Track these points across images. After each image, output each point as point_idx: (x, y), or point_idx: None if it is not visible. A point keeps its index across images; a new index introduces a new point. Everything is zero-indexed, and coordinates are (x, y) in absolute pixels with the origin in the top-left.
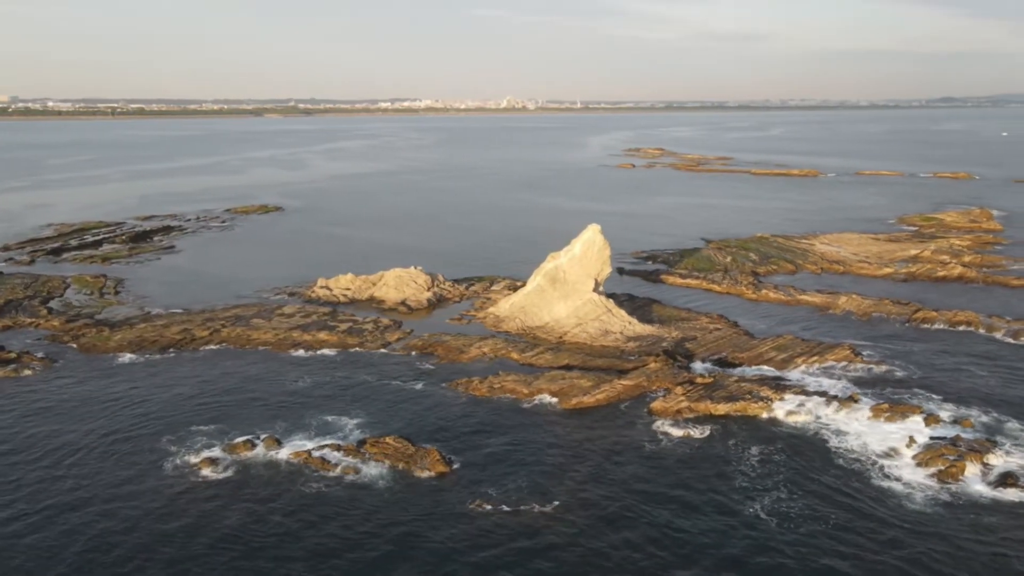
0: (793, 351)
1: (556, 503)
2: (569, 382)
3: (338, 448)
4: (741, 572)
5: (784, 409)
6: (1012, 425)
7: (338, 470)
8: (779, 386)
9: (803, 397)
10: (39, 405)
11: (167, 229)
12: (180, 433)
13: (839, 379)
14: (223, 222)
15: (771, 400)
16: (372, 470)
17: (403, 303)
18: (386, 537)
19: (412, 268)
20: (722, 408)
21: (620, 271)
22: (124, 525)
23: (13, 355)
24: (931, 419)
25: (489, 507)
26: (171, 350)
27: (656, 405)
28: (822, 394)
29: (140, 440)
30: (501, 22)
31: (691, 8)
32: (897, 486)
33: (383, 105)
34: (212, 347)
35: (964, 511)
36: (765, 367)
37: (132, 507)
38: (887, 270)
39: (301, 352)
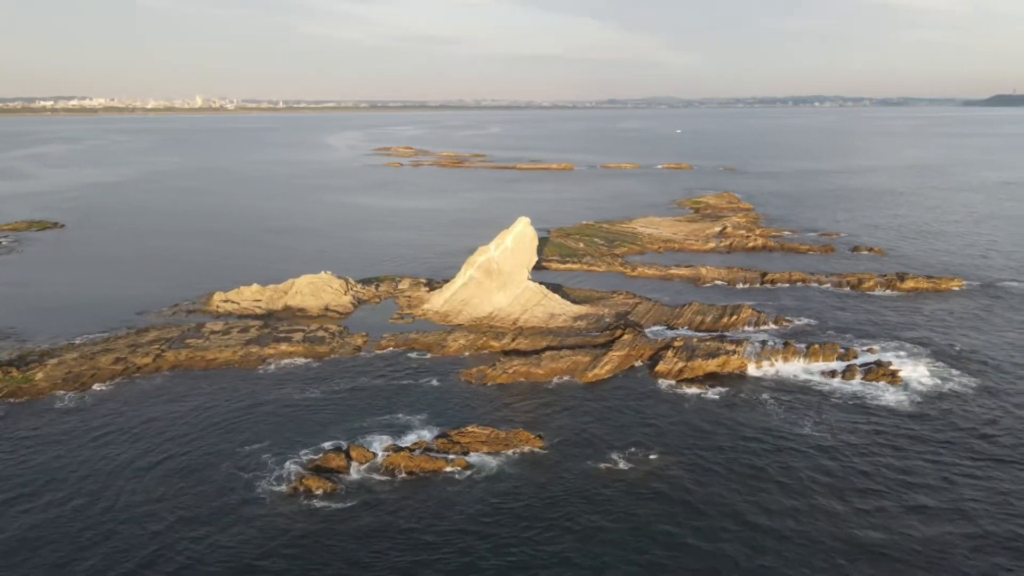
0: (712, 314)
1: (655, 456)
2: (569, 360)
3: (426, 447)
4: (838, 470)
5: (753, 361)
6: (897, 344)
7: (452, 466)
8: (732, 341)
9: (755, 348)
10: (44, 463)
11: None
12: (236, 458)
13: (762, 332)
14: None
15: (737, 353)
16: (483, 459)
17: (326, 309)
18: (577, 509)
19: (323, 273)
20: (711, 364)
21: None
22: (284, 553)
23: None
24: (850, 352)
25: (624, 466)
26: (117, 380)
27: (660, 368)
28: (763, 343)
29: (198, 470)
30: (182, 15)
31: (382, 8)
32: (880, 397)
33: (46, 104)
34: (165, 373)
35: (923, 397)
36: (704, 330)
37: (269, 538)
38: (711, 244)
39: (272, 367)
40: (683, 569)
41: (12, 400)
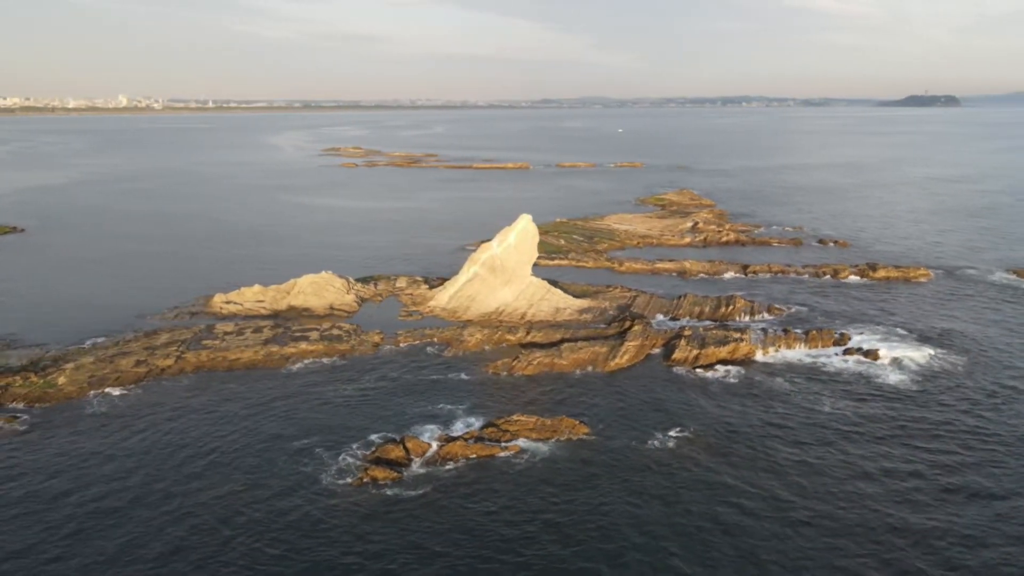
0: (709, 305)
1: (693, 438)
2: (588, 351)
3: (476, 436)
4: (851, 442)
5: (760, 348)
6: (885, 328)
7: (505, 451)
8: (736, 329)
9: (759, 335)
10: (90, 461)
11: None
12: (290, 453)
13: (758, 320)
14: None
15: (744, 340)
16: (535, 445)
17: (332, 308)
18: (636, 498)
19: (324, 272)
20: (722, 352)
21: None
22: (379, 546)
23: None
24: (845, 337)
25: (668, 449)
26: (143, 382)
27: (676, 355)
28: (764, 331)
29: (255, 465)
30: (102, 11)
31: (311, 6)
32: (883, 377)
33: None
34: (190, 374)
35: (922, 376)
36: (704, 320)
37: (350, 531)
38: (686, 239)
39: (297, 365)
40: (738, 547)
41: (39, 405)
